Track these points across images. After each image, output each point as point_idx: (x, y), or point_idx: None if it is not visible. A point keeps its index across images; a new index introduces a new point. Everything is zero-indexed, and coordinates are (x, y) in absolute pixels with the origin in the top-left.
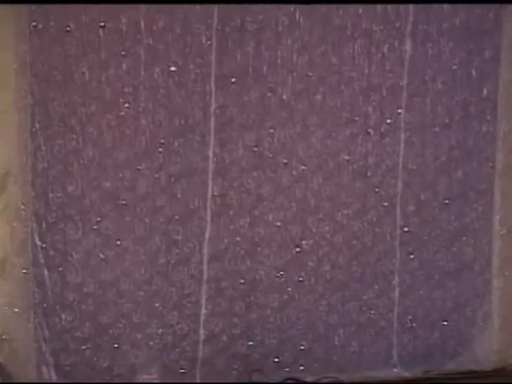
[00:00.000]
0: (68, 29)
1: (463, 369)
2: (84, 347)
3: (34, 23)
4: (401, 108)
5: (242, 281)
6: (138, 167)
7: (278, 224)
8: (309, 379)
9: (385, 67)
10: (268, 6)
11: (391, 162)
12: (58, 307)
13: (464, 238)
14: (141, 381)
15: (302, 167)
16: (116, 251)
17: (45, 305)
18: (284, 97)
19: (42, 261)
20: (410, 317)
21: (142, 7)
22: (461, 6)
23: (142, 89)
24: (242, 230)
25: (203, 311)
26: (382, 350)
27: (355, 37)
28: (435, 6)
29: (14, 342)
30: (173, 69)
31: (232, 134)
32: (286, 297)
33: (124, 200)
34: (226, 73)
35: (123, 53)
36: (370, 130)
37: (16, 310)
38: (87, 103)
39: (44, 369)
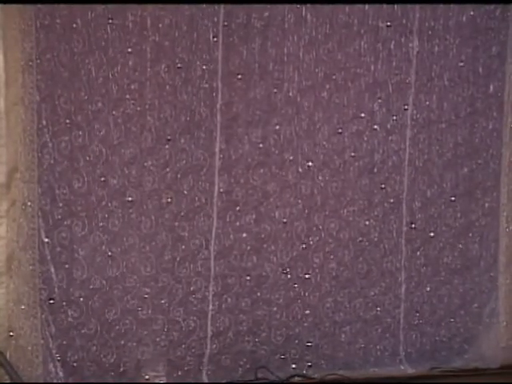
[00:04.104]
0: (74, 26)
1: (470, 366)
2: (90, 343)
3: (40, 20)
4: (407, 105)
5: (249, 277)
6: (145, 164)
7: (284, 221)
8: (315, 376)
9: (391, 64)
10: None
11: (397, 159)
12: (64, 304)
13: (470, 235)
14: (147, 377)
15: (308, 164)
16: (122, 248)
17: (51, 301)
18: (290, 93)
19: (49, 257)
20: (416, 314)
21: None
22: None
23: (148, 85)
24: (248, 227)
25: (210, 307)
26: (389, 346)
27: (361, 34)
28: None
29: (20, 338)
30: (179, 65)
31: (238, 131)
32: (292, 293)
33: (130, 197)
34: (232, 69)
35: (129, 50)
36: (376, 127)
37: (23, 306)
38: (93, 100)
39: (51, 365)
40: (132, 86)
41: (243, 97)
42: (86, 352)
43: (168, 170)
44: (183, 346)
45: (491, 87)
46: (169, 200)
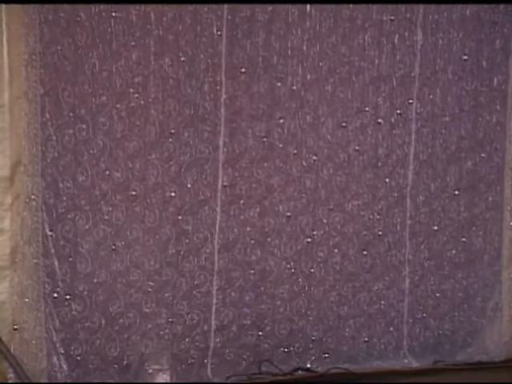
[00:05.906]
0: (78, 19)
1: (473, 359)
2: (94, 337)
3: (44, 14)
4: (411, 98)
5: (252, 271)
6: (148, 157)
7: (288, 214)
8: (319, 369)
9: (395, 58)
10: None
11: (401, 153)
12: (68, 297)
13: (474, 229)
14: (151, 371)
15: (312, 158)
16: (126, 241)
17: (55, 295)
18: (294, 87)
19: (53, 251)
20: (420, 307)
21: None
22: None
23: (152, 79)
24: (252, 221)
25: (214, 301)
26: (393, 340)
27: (365, 27)
28: None
29: (24, 331)
30: (183, 59)
31: (242, 125)
32: (296, 287)
33: (134, 190)
34: (236, 63)
35: (133, 43)
36: (380, 121)
37: (26, 300)
38: (97, 93)
39: (54, 358)
40: (136, 80)
41: (247, 91)
42: (89, 345)
43: (172, 163)
44: (187, 339)
45: (495, 81)
46: (172, 194)
